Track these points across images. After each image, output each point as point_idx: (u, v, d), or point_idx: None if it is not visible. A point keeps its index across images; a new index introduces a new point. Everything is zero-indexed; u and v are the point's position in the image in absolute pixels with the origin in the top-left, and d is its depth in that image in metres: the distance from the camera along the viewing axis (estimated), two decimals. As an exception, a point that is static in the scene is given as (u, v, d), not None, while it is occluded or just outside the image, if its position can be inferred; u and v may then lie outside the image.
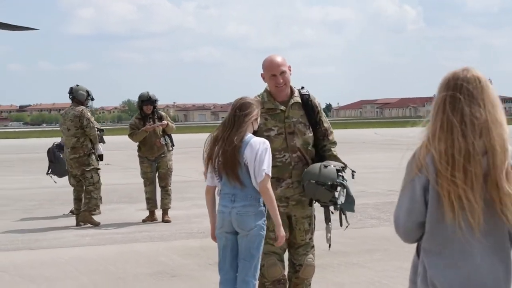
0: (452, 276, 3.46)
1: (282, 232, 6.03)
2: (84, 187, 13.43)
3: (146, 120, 13.62)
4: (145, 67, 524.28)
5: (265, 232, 6.05)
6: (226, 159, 5.93)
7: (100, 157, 13.80)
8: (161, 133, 13.64)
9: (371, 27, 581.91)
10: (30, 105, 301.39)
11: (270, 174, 5.92)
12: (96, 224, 13.14)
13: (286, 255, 6.80)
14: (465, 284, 3.45)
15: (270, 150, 5.96)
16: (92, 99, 14.18)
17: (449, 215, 3.41)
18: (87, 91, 13.92)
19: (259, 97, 6.62)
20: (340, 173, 6.46)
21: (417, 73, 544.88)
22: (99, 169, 13.64)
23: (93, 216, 13.31)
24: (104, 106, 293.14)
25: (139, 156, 13.76)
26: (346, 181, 6.47)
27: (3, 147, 51.50)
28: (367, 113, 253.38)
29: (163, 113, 13.91)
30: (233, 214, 5.97)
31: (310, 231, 6.75)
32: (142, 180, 13.84)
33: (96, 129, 13.54)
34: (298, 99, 6.70)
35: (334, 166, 6.48)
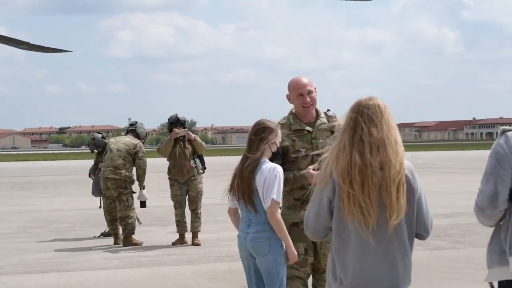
0: (355, 272, 4.09)
1: (293, 252, 5.97)
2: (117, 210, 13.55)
3: (177, 143, 13.62)
4: (183, 89, 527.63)
5: (283, 255, 5.96)
6: (242, 184, 5.94)
7: (143, 204, 13.96)
8: (191, 155, 13.62)
9: (410, 49, 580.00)
10: (69, 127, 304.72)
11: (280, 201, 5.88)
12: (140, 244, 13.38)
13: (310, 280, 6.71)
14: (365, 279, 4.08)
15: (281, 176, 5.90)
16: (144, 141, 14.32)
17: (349, 220, 4.05)
18: (147, 133, 14.36)
19: (285, 119, 6.58)
20: None
21: (456, 96, 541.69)
22: (134, 192, 13.75)
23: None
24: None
25: (169, 178, 13.78)
26: None
27: (41, 169, 52.04)
28: (405, 136, 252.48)
29: (193, 134, 13.83)
30: (247, 239, 5.98)
31: None
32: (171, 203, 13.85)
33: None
34: (325, 120, 6.65)
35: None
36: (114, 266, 11.31)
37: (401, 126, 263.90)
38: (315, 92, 6.58)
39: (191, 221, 13.52)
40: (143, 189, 13.91)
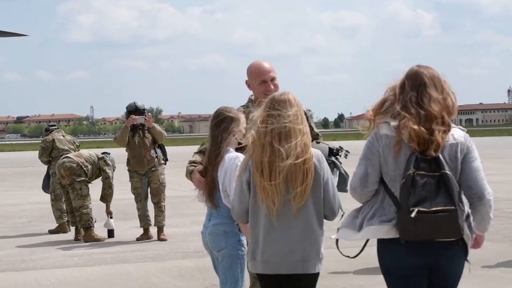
0: (265, 248, 4.98)
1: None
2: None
3: (136, 132, 13.40)
4: (148, 76, 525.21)
5: (242, 251, 5.80)
6: (206, 180, 5.86)
7: (110, 233, 13.80)
8: (151, 144, 13.41)
9: (385, 33, 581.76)
10: (28, 116, 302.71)
11: None
12: (101, 240, 13.28)
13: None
14: (274, 253, 4.96)
15: None
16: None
17: (259, 202, 4.95)
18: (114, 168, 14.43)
19: (244, 107, 6.45)
20: (334, 152, 6.18)
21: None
22: (89, 182, 13.59)
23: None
24: (106, 117, 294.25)
25: (128, 170, 13.56)
26: (340, 163, 6.18)
27: (-2, 161, 51.53)
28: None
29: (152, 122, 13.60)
30: (207, 234, 5.90)
31: None
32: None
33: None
34: None
35: (327, 144, 6.24)
36: (74, 264, 11.13)
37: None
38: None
39: (155, 215, 13.32)
40: (111, 216, 13.75)
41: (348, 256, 5.13)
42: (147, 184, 13.45)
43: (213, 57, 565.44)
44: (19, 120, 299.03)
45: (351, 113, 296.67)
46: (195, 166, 6.06)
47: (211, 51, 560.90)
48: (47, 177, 14.98)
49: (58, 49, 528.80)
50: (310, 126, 6.59)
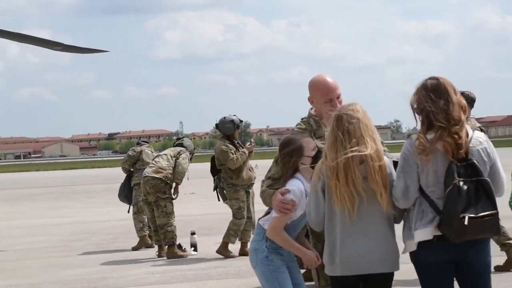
0: (343, 251, 5.18)
1: (308, 256, 5.76)
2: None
3: (236, 146, 13.30)
4: (235, 90, 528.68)
5: (273, 265, 5.79)
6: None
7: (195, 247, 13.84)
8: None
9: (472, 40, 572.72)
10: (119, 133, 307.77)
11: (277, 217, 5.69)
12: (185, 256, 13.18)
13: None
14: (352, 256, 5.16)
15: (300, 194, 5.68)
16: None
17: (336, 206, 5.16)
18: (194, 148, 14.03)
19: (305, 124, 6.24)
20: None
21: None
22: (173, 198, 13.52)
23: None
24: (195, 132, 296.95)
25: (232, 184, 13.19)
26: None
27: (88, 177, 52.34)
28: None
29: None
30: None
31: None
32: (224, 211, 13.43)
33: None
34: None
35: (391, 158, 5.87)
36: (156, 282, 11.03)
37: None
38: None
39: (244, 229, 13.15)
40: (192, 233, 13.84)
41: None
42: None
43: (299, 70, 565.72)
44: (110, 136, 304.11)
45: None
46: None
47: (297, 64, 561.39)
48: (124, 186, 15.08)
49: (146, 65, 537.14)
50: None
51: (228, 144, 13.14)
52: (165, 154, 13.81)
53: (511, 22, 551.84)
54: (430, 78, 5.26)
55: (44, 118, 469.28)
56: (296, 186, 5.67)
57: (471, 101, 10.90)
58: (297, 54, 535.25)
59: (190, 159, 14.15)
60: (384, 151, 6.39)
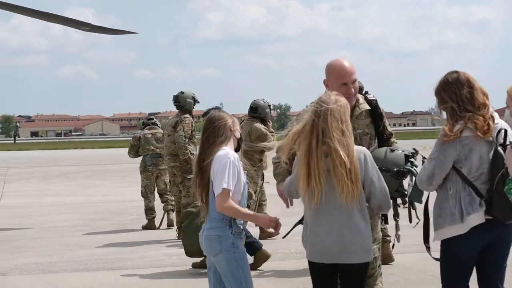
0: (311, 238, 5.37)
1: (263, 220, 5.82)
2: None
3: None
4: (276, 72, 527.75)
5: (239, 253, 5.72)
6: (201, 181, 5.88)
7: None
8: None
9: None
10: (159, 113, 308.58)
11: (232, 189, 5.63)
12: None
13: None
14: (317, 244, 5.35)
15: (233, 162, 5.66)
16: (198, 102, 13.85)
17: (303, 195, 5.39)
18: (193, 97, 13.71)
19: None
20: (410, 159, 5.91)
21: None
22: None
23: None
24: (235, 114, 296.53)
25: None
26: (416, 167, 5.87)
27: (125, 156, 52.49)
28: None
29: None
30: (203, 238, 5.85)
31: (379, 257, 6.19)
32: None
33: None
34: (366, 106, 6.13)
35: (403, 151, 5.96)
36: (171, 264, 10.99)
37: (509, 109, 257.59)
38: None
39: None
40: None
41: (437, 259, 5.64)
42: None
43: (341, 54, 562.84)
44: (151, 116, 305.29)
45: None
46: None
47: (339, 48, 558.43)
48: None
49: (188, 46, 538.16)
50: (385, 127, 6.22)
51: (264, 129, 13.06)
52: (169, 135, 13.46)
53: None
54: (450, 73, 5.51)
55: (86, 97, 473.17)
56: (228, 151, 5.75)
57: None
58: (339, 37, 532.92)
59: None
60: (392, 142, 6.33)
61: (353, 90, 6.02)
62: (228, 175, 5.63)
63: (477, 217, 5.30)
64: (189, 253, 9.86)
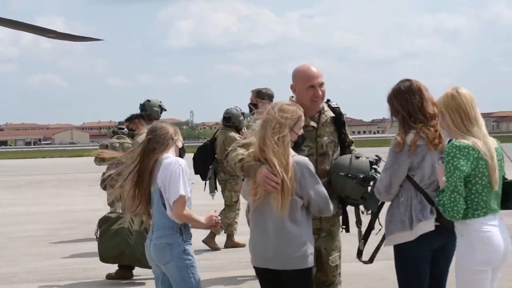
0: (252, 241, 5.55)
1: (205, 219, 5.90)
2: None
3: None
4: (248, 80, 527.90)
5: (190, 260, 5.78)
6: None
7: None
8: None
9: (487, 36, 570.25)
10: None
11: (189, 195, 5.71)
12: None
13: None
14: (256, 249, 5.49)
15: (185, 170, 5.74)
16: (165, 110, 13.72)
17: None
18: (160, 106, 13.57)
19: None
20: (373, 166, 5.90)
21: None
22: None
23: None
24: (205, 122, 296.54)
25: (236, 176, 12.66)
26: (379, 174, 5.84)
27: (90, 165, 52.11)
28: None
29: None
30: (151, 247, 5.82)
31: (339, 266, 6.23)
32: (219, 202, 13.23)
33: None
34: (330, 114, 6.12)
35: (367, 158, 5.96)
36: (135, 273, 10.87)
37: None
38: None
39: (232, 223, 13.13)
40: None
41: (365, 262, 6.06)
42: None
43: (313, 61, 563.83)
44: (121, 125, 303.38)
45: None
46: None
47: (311, 55, 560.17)
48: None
49: (159, 55, 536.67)
50: (346, 135, 6.21)
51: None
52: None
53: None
54: (402, 81, 5.62)
55: (55, 105, 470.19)
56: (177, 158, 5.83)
57: (268, 97, 10.81)
58: (311, 45, 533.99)
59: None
60: (352, 150, 6.29)
61: (320, 93, 5.98)
62: (183, 181, 5.67)
63: (426, 224, 5.43)
64: (103, 259, 9.85)
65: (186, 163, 5.81)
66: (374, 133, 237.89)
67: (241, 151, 5.62)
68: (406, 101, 5.51)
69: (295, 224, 5.39)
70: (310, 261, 5.45)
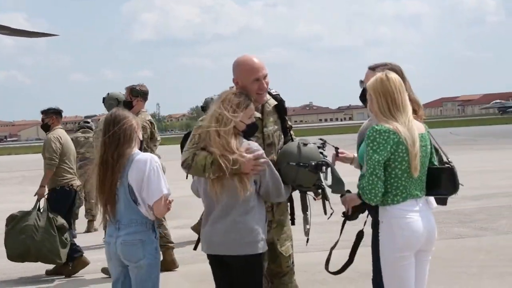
0: (203, 227, 5.57)
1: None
2: None
3: None
4: (212, 72, 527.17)
5: (159, 258, 5.65)
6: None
7: None
8: None
9: (449, 21, 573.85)
10: (95, 115, 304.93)
11: (170, 192, 5.55)
12: None
13: None
14: (207, 236, 5.50)
15: (160, 166, 5.57)
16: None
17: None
18: (117, 99, 13.23)
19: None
20: (320, 150, 5.74)
21: (500, 67, 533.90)
22: None
23: None
24: (172, 114, 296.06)
25: None
26: (327, 157, 5.72)
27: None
28: (447, 111, 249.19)
29: None
30: (118, 244, 5.54)
31: (292, 255, 6.11)
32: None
33: None
34: (273, 102, 5.97)
35: (314, 143, 5.78)
36: (94, 270, 10.66)
37: (444, 101, 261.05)
38: None
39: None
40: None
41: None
42: None
43: (277, 51, 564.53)
44: (87, 119, 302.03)
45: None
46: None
47: (275, 45, 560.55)
48: None
49: (123, 48, 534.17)
50: (286, 119, 6.08)
51: None
52: None
53: (486, 1, 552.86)
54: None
55: (20, 102, 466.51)
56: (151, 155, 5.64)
57: (142, 94, 10.66)
58: (274, 35, 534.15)
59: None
60: (292, 135, 6.13)
61: (265, 85, 5.80)
62: (164, 179, 5.49)
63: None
64: (10, 257, 9.75)
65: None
66: (341, 120, 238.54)
67: (204, 153, 5.46)
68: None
69: (246, 210, 5.39)
70: (261, 247, 5.43)
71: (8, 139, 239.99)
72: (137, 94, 10.52)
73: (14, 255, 9.75)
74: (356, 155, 5.94)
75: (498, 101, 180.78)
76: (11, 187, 29.50)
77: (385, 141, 5.11)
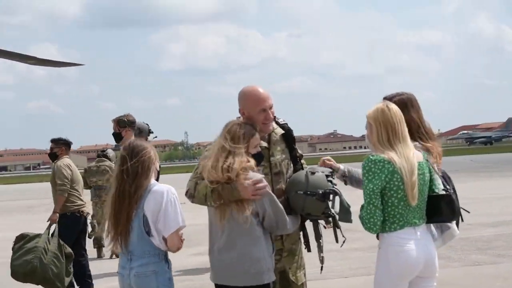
0: (211, 261, 5.53)
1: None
2: None
3: None
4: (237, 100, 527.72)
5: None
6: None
7: None
8: None
9: (469, 49, 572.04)
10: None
11: (185, 224, 5.40)
12: None
13: None
14: (215, 266, 5.46)
15: (177, 198, 5.40)
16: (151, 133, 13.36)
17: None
18: (139, 128, 13.19)
19: None
20: (329, 178, 5.65)
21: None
22: None
23: None
24: (200, 142, 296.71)
25: None
26: (336, 185, 5.64)
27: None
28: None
29: None
30: (131, 276, 5.38)
31: (305, 283, 6.01)
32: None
33: None
34: (280, 131, 5.89)
35: (322, 172, 5.68)
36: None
37: (465, 128, 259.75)
38: None
39: None
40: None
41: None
42: None
43: (301, 80, 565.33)
44: (117, 147, 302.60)
45: (439, 130, 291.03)
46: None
47: (298, 74, 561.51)
48: None
49: (152, 77, 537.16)
50: (296, 150, 6.00)
51: None
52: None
53: (505, 30, 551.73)
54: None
55: (52, 130, 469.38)
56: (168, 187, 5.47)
57: (130, 124, 10.44)
58: (298, 64, 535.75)
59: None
60: (303, 164, 6.05)
61: (271, 116, 5.75)
62: (181, 212, 5.36)
63: (453, 231, 5.66)
64: (14, 273, 9.62)
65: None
66: (365, 148, 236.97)
67: (205, 182, 5.40)
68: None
69: (253, 241, 5.30)
70: (267, 277, 5.35)
71: (41, 167, 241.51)
72: (124, 125, 10.38)
73: (19, 272, 9.63)
74: (342, 167, 5.97)
75: (465, 132, 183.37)
76: (40, 214, 29.52)
77: (380, 170, 5.10)
